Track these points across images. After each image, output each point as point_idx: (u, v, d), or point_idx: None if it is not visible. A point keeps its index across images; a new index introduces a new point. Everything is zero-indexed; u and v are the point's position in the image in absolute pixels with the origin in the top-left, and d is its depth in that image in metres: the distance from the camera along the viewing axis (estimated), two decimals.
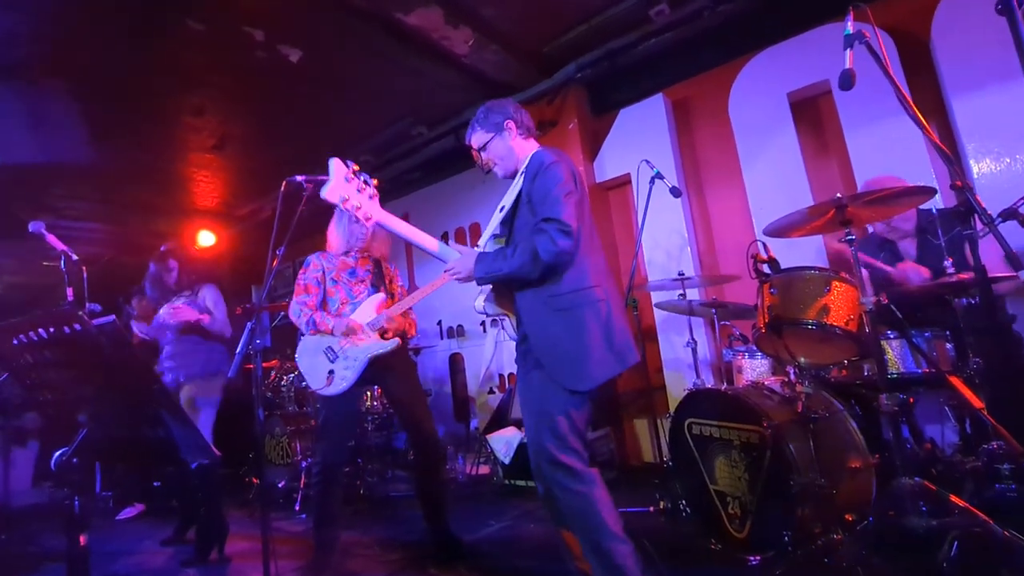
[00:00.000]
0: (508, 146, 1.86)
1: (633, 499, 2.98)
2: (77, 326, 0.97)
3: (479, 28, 3.66)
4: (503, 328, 5.43)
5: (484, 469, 4.27)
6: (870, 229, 2.76)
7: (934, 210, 2.44)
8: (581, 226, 1.66)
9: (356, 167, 1.79)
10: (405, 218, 2.60)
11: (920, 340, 2.04)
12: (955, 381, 1.73)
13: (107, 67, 3.67)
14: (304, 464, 3.80)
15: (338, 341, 2.53)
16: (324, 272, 2.66)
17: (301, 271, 2.69)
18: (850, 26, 1.77)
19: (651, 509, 2.78)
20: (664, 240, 3.97)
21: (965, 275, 1.83)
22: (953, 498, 1.69)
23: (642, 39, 3.91)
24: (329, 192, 1.70)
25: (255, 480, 4.19)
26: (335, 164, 1.73)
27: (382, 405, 4.39)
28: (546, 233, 1.61)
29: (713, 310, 2.82)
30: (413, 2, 3.33)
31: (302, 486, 3.73)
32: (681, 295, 3.01)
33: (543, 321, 1.66)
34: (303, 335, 2.64)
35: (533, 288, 1.68)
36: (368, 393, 4.28)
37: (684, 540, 2.41)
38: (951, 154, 1.61)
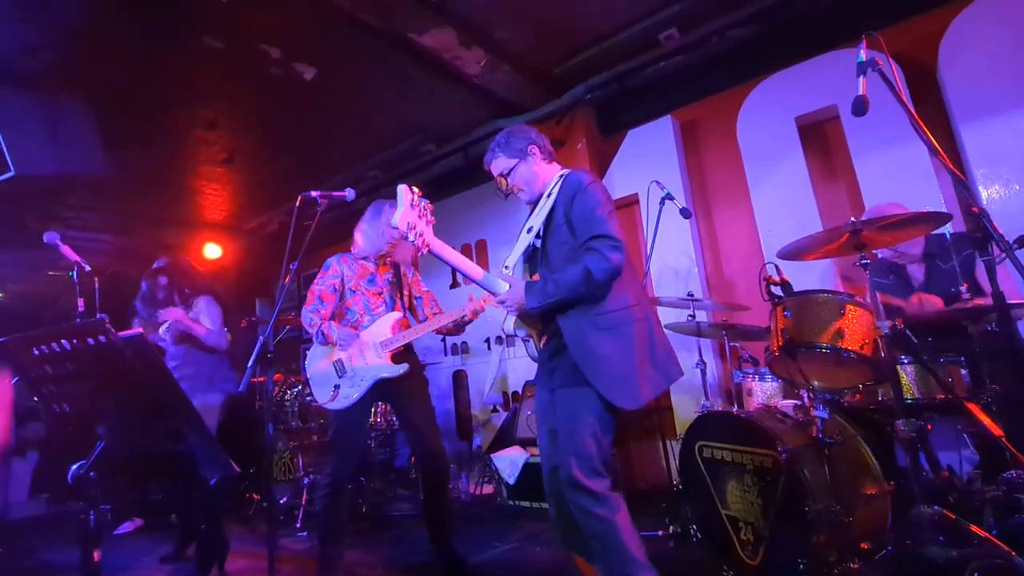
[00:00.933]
0: (533, 171, 1.88)
1: (641, 523, 2.88)
2: (102, 338, 0.97)
3: (491, 49, 3.72)
4: (507, 346, 5.43)
5: (488, 489, 4.22)
6: (879, 254, 2.76)
7: (947, 235, 2.45)
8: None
9: (419, 191, 1.76)
10: (395, 230, 2.63)
11: (935, 366, 2.02)
12: (973, 408, 1.72)
13: (122, 80, 3.74)
14: (307, 480, 3.76)
15: (348, 357, 2.52)
16: (343, 279, 2.63)
17: (319, 275, 2.65)
18: (863, 53, 1.80)
19: (660, 533, 2.73)
20: (672, 261, 3.97)
21: (980, 300, 1.82)
22: (973, 528, 1.66)
23: (651, 62, 3.98)
24: (399, 219, 1.67)
25: (255, 496, 4.14)
26: (403, 190, 1.70)
27: (385, 421, 4.36)
28: (597, 251, 1.61)
29: (724, 331, 2.80)
30: (427, 23, 3.39)
31: (304, 503, 3.69)
32: (691, 316, 3.00)
33: (591, 340, 1.64)
34: (313, 344, 2.63)
35: (576, 308, 1.67)
36: (372, 409, 4.25)
37: (694, 566, 2.37)
38: (965, 180, 1.62)
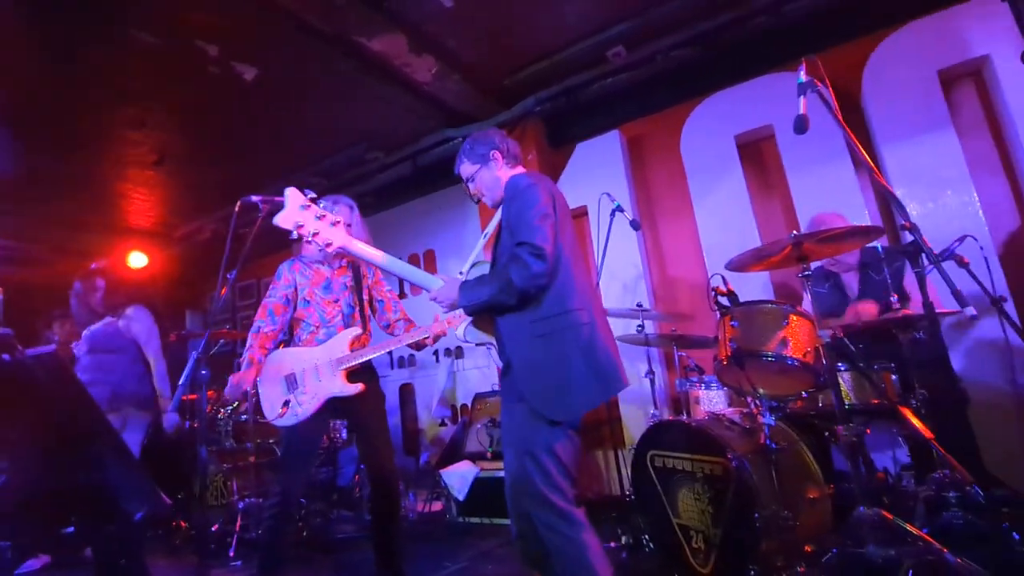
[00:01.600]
0: (495, 176, 1.86)
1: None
2: (6, 356, 0.83)
3: (442, 58, 3.68)
4: (456, 358, 5.34)
5: (437, 506, 4.10)
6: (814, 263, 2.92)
7: (880, 248, 2.61)
8: (562, 247, 1.65)
9: (314, 195, 1.77)
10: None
11: (870, 373, 2.13)
12: (905, 411, 1.82)
13: (39, 74, 3.42)
14: (242, 505, 3.50)
15: (302, 372, 2.37)
16: (296, 288, 2.48)
17: (272, 285, 2.49)
18: (803, 75, 1.88)
19: (613, 544, 2.72)
20: (620, 272, 4.04)
21: (908, 311, 1.94)
22: (908, 526, 1.74)
23: (599, 78, 4.06)
24: (282, 219, 1.69)
25: (184, 524, 3.82)
26: (291, 193, 1.73)
27: (328, 439, 4.15)
28: (519, 259, 1.59)
29: (672, 341, 2.86)
30: (378, 28, 3.31)
31: (238, 529, 3.43)
32: (640, 327, 3.04)
33: (524, 348, 1.62)
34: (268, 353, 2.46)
35: (514, 313, 1.64)
36: (327, 426, 4.04)
37: (648, 575, 2.37)
38: (895, 196, 1.72)
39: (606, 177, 4.14)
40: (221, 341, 4.26)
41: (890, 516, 1.76)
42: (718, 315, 2.26)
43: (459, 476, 3.84)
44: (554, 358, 1.58)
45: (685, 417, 2.51)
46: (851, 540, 1.85)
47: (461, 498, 3.76)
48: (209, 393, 4.31)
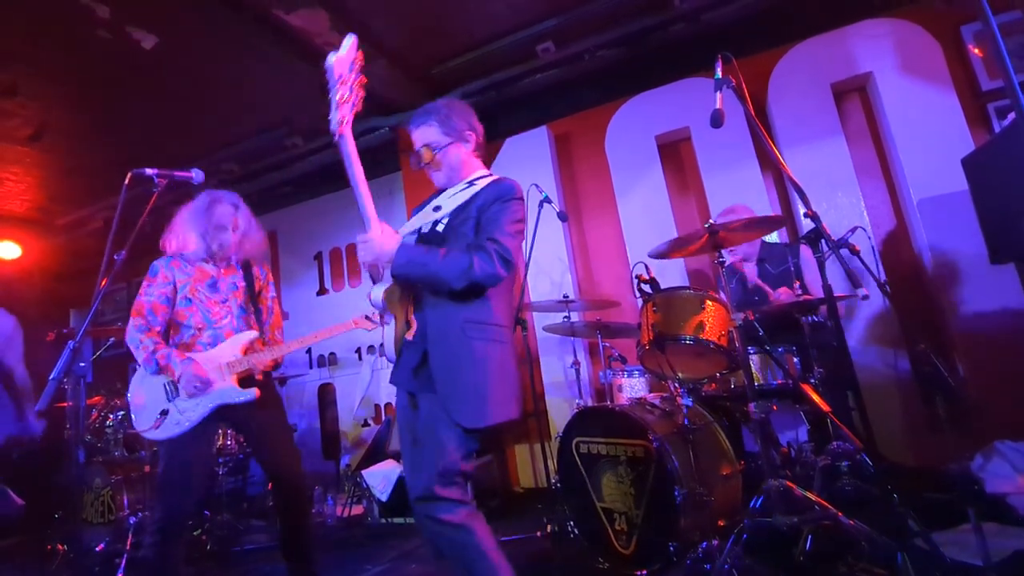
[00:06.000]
0: (462, 157, 1.73)
1: (519, 526, 2.90)
2: None
3: (366, 39, 3.53)
4: (380, 356, 5.15)
5: (357, 509, 3.92)
6: (726, 261, 3.10)
7: (781, 243, 2.80)
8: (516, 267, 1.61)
9: (362, 61, 1.52)
10: (272, 236, 2.33)
11: (775, 355, 2.28)
12: (807, 388, 1.96)
13: None
14: (133, 520, 3.15)
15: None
16: (175, 286, 2.20)
17: (145, 283, 2.20)
18: (719, 71, 1.98)
19: (538, 534, 2.72)
20: (547, 266, 4.08)
21: (809, 296, 2.10)
22: (809, 494, 1.87)
23: (529, 73, 4.09)
24: (336, 62, 1.46)
25: (61, 547, 3.38)
26: (350, 42, 1.50)
27: (238, 444, 3.85)
28: (487, 252, 1.51)
29: (597, 330, 2.91)
30: (297, 1, 3.12)
31: (128, 547, 3.08)
32: (566, 317, 3.08)
33: (453, 345, 1.52)
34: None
35: (449, 304, 1.55)
36: (215, 436, 3.72)
37: (571, 562, 2.39)
38: (799, 186, 1.85)
39: (534, 172, 4.17)
40: (111, 339, 3.82)
41: (793, 486, 1.88)
42: (640, 302, 2.32)
43: (382, 476, 3.69)
44: (476, 364, 1.52)
45: (609, 403, 2.56)
46: (760, 511, 1.96)
47: (384, 499, 3.62)
48: (96, 399, 3.87)
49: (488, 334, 1.56)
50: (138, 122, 4.15)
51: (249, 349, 2.23)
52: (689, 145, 3.93)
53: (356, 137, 4.75)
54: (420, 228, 1.70)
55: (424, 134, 1.74)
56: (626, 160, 4.03)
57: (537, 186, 3.16)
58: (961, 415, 2.68)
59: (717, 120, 1.92)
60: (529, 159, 4.27)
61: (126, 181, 1.84)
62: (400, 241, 1.56)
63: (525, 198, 1.68)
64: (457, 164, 1.73)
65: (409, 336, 1.62)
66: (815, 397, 1.91)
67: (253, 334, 2.26)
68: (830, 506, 1.82)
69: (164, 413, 2.10)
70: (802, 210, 1.89)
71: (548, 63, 4.00)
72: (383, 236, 1.55)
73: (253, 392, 2.17)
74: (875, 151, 3.59)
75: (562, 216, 3.15)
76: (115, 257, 1.80)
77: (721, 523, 2.12)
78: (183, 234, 2.24)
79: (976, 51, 3.42)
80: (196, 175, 2.08)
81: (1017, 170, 2.32)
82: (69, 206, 5.35)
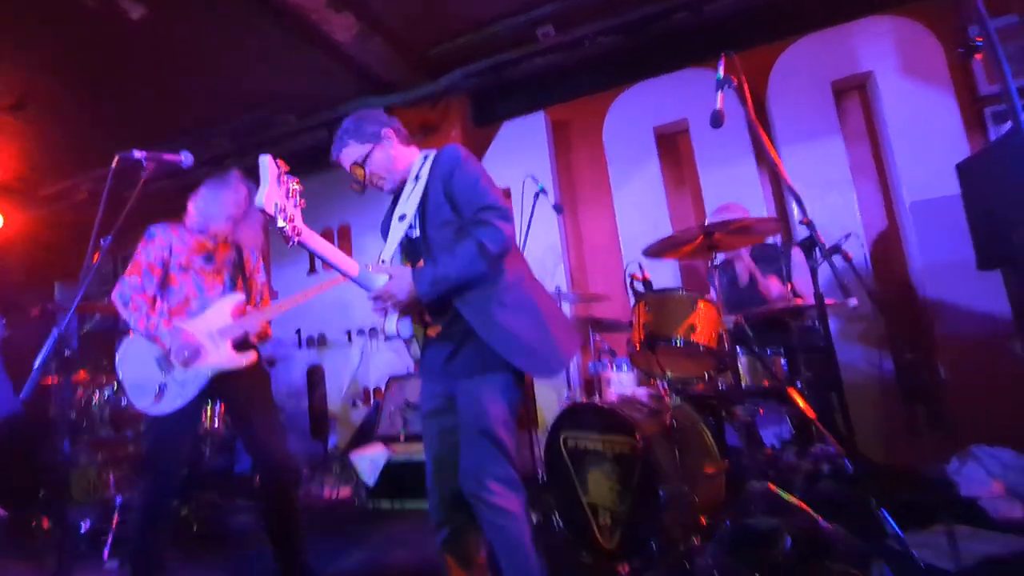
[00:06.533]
0: (391, 155, 1.70)
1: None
2: None
3: (364, 17, 3.44)
4: (370, 339, 5.14)
5: (345, 491, 3.95)
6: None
7: (777, 244, 2.81)
8: None
9: (285, 166, 1.47)
10: (261, 211, 2.31)
11: (764, 357, 2.31)
12: (793, 392, 1.98)
13: None
14: (120, 500, 3.15)
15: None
16: (171, 252, 2.18)
17: (141, 244, 2.18)
18: (721, 71, 1.94)
19: None
20: (540, 255, 4.06)
21: (801, 301, 2.12)
22: (791, 498, 1.91)
23: (528, 56, 4.02)
24: (266, 198, 1.38)
25: (45, 523, 3.38)
26: (267, 162, 1.42)
27: (225, 425, 3.85)
28: (487, 223, 1.50)
29: (589, 324, 2.92)
30: None
31: (114, 526, 3.08)
32: None
33: (497, 319, 1.52)
34: (130, 335, 2.17)
35: (478, 290, 1.54)
36: (208, 410, 3.71)
37: (556, 554, 2.42)
38: (796, 194, 1.84)
39: (531, 159, 4.13)
40: (97, 316, 3.77)
41: (774, 488, 1.92)
42: (633, 301, 2.33)
43: (370, 460, 3.71)
44: (530, 323, 1.55)
45: (597, 399, 2.58)
46: (742, 511, 2.00)
47: (371, 483, 3.64)
48: (81, 375, 3.83)
49: (521, 292, 1.60)
50: (125, 94, 4.03)
51: (239, 313, 2.22)
52: (687, 138, 3.90)
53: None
54: (400, 243, 1.66)
55: (347, 156, 1.72)
56: (623, 150, 4.00)
57: (533, 177, 3.13)
58: (940, 419, 2.74)
59: (717, 121, 1.89)
60: (526, 144, 4.22)
61: (113, 164, 1.79)
62: (410, 274, 1.53)
63: (470, 153, 1.66)
64: (389, 164, 1.70)
65: (432, 334, 1.62)
66: (801, 403, 1.94)
67: (240, 296, 2.25)
68: (810, 510, 1.86)
69: (162, 389, 2.09)
70: (796, 212, 1.88)
71: (548, 47, 3.93)
72: (394, 283, 1.53)
73: (251, 355, 2.17)
74: (871, 151, 3.59)
75: (557, 208, 3.14)
76: (101, 242, 1.76)
77: (704, 521, 2.16)
78: (194, 207, 2.23)
79: (976, 54, 3.41)
80: (185, 158, 2.03)
81: (1010, 179, 2.33)
82: (53, 177, 5.22)
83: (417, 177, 1.67)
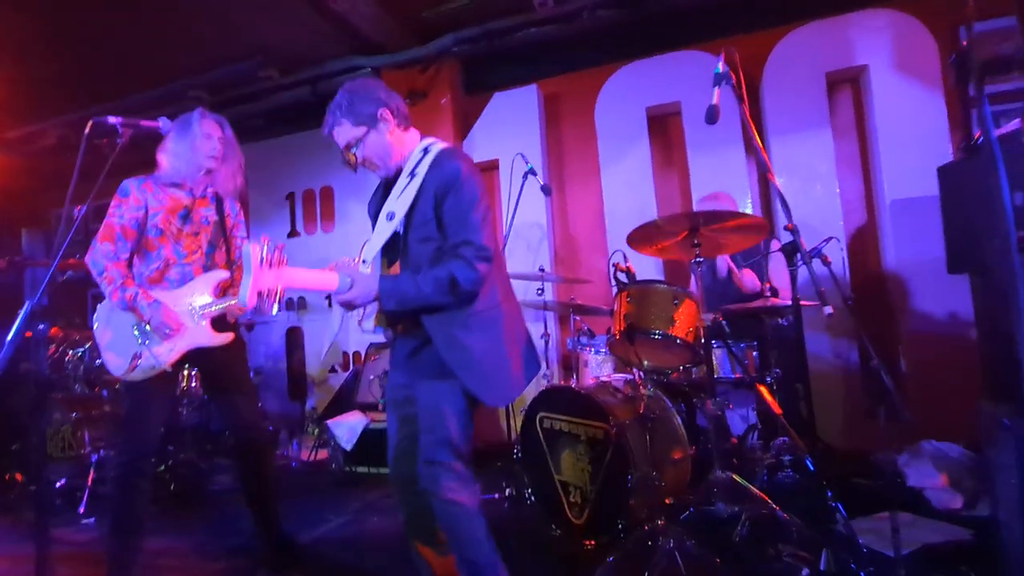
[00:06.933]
0: (386, 142, 1.60)
1: (480, 485, 3.03)
2: None
3: None
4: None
5: (322, 454, 4.02)
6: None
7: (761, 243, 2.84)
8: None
9: (266, 238, 1.41)
10: (241, 168, 2.23)
11: (737, 350, 2.39)
12: (762, 389, 2.06)
13: None
14: (95, 457, 3.17)
15: None
16: (147, 212, 2.08)
17: (114, 203, 2.06)
18: (721, 65, 1.92)
19: (496, 496, 2.86)
20: (525, 232, 4.05)
21: (777, 300, 2.18)
22: (752, 488, 2.01)
23: (523, 26, 3.90)
24: (249, 294, 1.35)
25: (20, 477, 3.39)
26: (250, 252, 1.37)
27: (202, 385, 3.84)
28: (464, 260, 1.48)
29: (570, 308, 2.96)
30: None
31: (90, 483, 3.11)
32: (539, 290, 3.11)
33: (461, 341, 1.54)
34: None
35: (445, 310, 1.54)
36: (186, 373, 3.70)
37: (527, 526, 2.53)
38: (784, 198, 1.86)
39: (521, 132, 4.07)
40: (69, 273, 3.68)
41: (737, 478, 2.02)
42: (615, 289, 2.36)
43: (348, 427, 3.77)
44: (492, 349, 1.56)
45: (574, 383, 2.64)
46: (705, 497, 2.11)
47: (348, 448, 3.71)
48: (53, 331, 3.77)
49: (488, 318, 1.58)
50: (98, 38, 3.81)
51: (221, 291, 2.18)
52: (678, 121, 3.87)
53: (335, 75, 4.48)
54: (385, 243, 1.61)
55: (340, 136, 1.62)
56: (614, 129, 3.95)
57: (523, 156, 3.10)
58: (897, 412, 2.88)
59: (712, 117, 1.89)
60: (516, 118, 4.15)
61: (86, 130, 1.71)
62: (377, 283, 1.50)
63: (473, 170, 1.58)
64: (384, 152, 1.62)
65: (400, 330, 1.63)
66: (769, 399, 2.03)
67: (224, 274, 2.20)
68: (769, 500, 1.97)
69: (136, 356, 2.07)
70: (781, 206, 1.90)
71: (544, 18, 3.81)
72: (359, 288, 1.49)
73: (228, 336, 2.15)
74: (858, 146, 3.62)
75: (546, 190, 3.12)
76: (75, 213, 1.70)
77: (668, 501, 2.27)
78: (164, 158, 2.11)
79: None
80: (163, 124, 1.96)
81: (988, 189, 2.38)
82: (18, 119, 4.95)
83: (413, 173, 1.59)
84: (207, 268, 2.19)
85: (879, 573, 1.84)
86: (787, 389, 2.36)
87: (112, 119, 1.75)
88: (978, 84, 0.91)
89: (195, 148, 2.09)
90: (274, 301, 1.42)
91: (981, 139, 0.88)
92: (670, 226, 2.16)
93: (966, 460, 2.44)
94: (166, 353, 2.07)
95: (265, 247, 1.39)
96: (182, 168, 2.11)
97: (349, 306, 1.54)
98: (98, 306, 2.16)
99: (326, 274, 1.52)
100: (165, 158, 2.13)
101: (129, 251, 2.08)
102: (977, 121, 3.35)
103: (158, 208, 2.10)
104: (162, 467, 3.45)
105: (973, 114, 3.35)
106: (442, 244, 1.54)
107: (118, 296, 2.01)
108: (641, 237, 2.26)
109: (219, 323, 2.16)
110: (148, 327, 2.05)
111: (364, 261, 1.58)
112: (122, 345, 2.08)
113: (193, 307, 2.10)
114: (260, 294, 1.38)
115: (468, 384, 1.53)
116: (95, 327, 2.14)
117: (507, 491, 2.83)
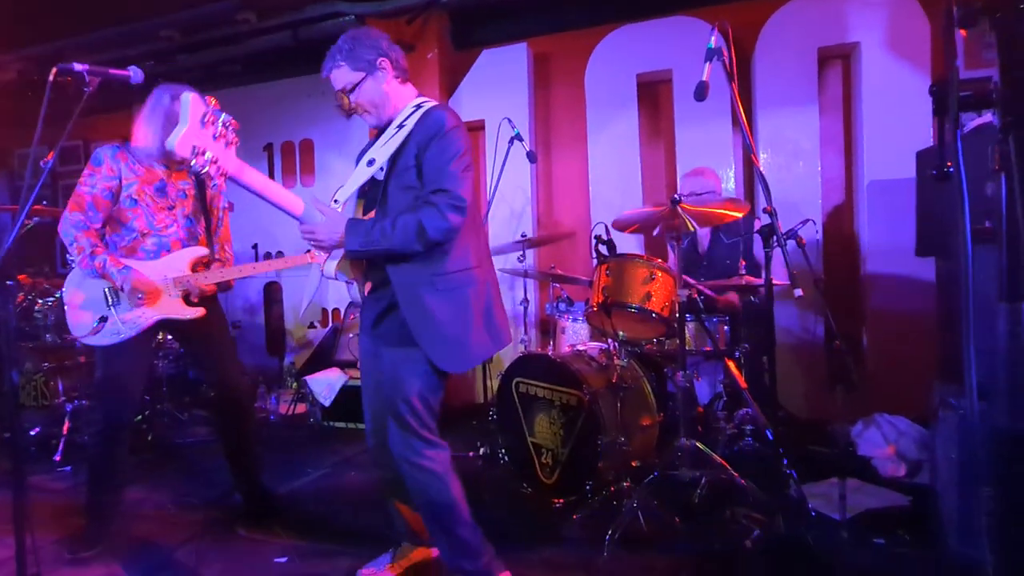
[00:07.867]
0: (383, 91, 1.61)
1: (454, 444, 3.09)
2: None
3: None
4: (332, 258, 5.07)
5: (300, 408, 4.07)
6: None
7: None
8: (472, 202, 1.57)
9: (215, 102, 1.39)
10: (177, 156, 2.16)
11: (709, 324, 2.47)
12: (730, 364, 2.15)
13: None
14: (69, 407, 3.16)
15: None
16: (121, 182, 2.04)
17: (87, 171, 2.03)
18: (714, 40, 1.90)
19: (471, 454, 2.97)
20: (509, 196, 4.03)
21: (751, 277, 2.24)
22: (714, 456, 2.13)
23: None
24: (180, 141, 1.31)
25: None
26: (189, 101, 1.34)
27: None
28: (436, 207, 1.47)
29: (550, 278, 2.99)
30: None
31: (65, 432, 3.11)
32: (521, 256, 3.12)
33: (425, 300, 1.54)
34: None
35: (414, 264, 1.54)
36: (153, 343, 3.65)
37: (499, 483, 2.64)
38: (765, 180, 1.89)
39: (509, 92, 3.98)
40: (35, 219, 3.55)
41: (700, 445, 2.14)
42: (595, 262, 2.39)
43: (326, 383, 3.81)
44: (456, 314, 1.56)
45: (551, 351, 2.71)
46: (670, 462, 2.22)
47: (327, 404, 3.77)
48: (21, 277, 3.68)
49: (457, 281, 1.59)
50: None
51: (198, 266, 2.16)
52: (668, 89, 3.82)
53: (317, 21, 4.29)
54: (361, 187, 1.62)
55: (337, 79, 1.61)
56: (604, 94, 3.89)
57: (509, 121, 3.04)
58: (854, 384, 3.03)
59: (702, 94, 1.88)
60: (504, 76, 4.04)
61: (50, 77, 1.63)
62: (346, 222, 1.50)
63: (460, 125, 1.58)
64: (379, 99, 1.62)
65: (366, 293, 1.63)
66: (736, 373, 2.12)
67: (202, 251, 2.18)
68: (729, 467, 2.09)
69: (103, 320, 2.05)
70: (761, 188, 1.93)
71: None
72: (325, 226, 1.50)
73: (199, 311, 2.13)
74: (843, 124, 3.64)
75: (531, 157, 3.09)
76: (41, 165, 1.64)
77: (635, 464, 2.39)
78: (139, 130, 2.06)
79: (963, 32, 3.42)
80: (134, 73, 1.86)
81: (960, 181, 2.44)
82: None
83: (401, 125, 1.59)
84: (185, 242, 2.16)
85: (824, 535, 1.99)
86: (754, 362, 2.46)
87: (78, 66, 1.66)
88: (953, 123, 0.92)
89: (167, 130, 2.02)
90: (215, 171, 1.40)
91: (951, 170, 0.90)
92: (652, 220, 2.20)
93: (914, 432, 2.59)
94: (134, 321, 2.04)
95: (211, 109, 1.38)
96: (154, 149, 2.07)
97: (315, 242, 1.54)
98: (69, 272, 2.12)
99: (292, 195, 1.51)
100: (138, 134, 2.08)
101: (101, 221, 2.05)
102: (949, 155, 3.42)
103: (132, 179, 2.07)
104: (139, 417, 3.47)
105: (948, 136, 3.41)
106: (419, 193, 1.54)
107: (87, 263, 1.99)
108: (624, 225, 2.30)
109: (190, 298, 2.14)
110: (121, 292, 2.03)
111: (336, 201, 1.58)
112: (89, 308, 2.06)
113: (168, 277, 2.07)
114: (194, 148, 1.35)
115: (424, 345, 1.55)
116: (65, 290, 2.11)
117: (481, 450, 2.93)
